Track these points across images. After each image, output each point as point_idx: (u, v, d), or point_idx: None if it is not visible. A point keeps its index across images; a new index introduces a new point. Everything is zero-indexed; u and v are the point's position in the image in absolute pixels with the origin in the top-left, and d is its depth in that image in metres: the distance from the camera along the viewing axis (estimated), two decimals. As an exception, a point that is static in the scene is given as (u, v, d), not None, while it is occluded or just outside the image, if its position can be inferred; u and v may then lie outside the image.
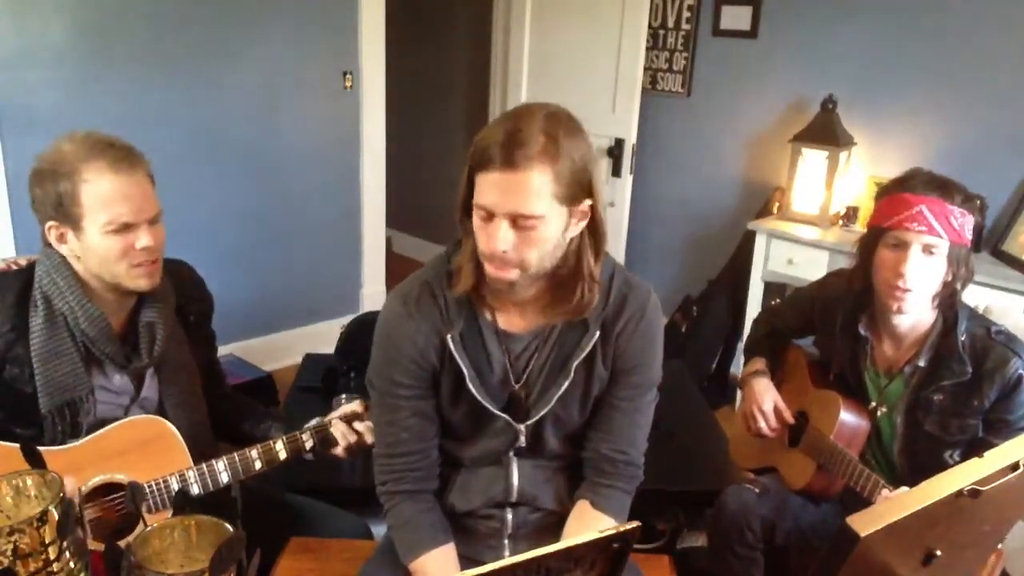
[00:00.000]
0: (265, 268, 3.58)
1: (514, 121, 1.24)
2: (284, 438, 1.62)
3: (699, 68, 3.69)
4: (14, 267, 1.80)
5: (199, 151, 3.24)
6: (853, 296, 1.81)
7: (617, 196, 3.81)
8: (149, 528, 1.03)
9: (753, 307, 3.30)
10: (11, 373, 1.50)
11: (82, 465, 1.49)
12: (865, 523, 0.88)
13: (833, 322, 1.86)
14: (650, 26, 3.66)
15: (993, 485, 0.98)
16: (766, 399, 1.94)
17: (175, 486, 1.52)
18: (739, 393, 2.35)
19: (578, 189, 1.27)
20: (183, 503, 1.17)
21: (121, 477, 1.52)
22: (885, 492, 1.65)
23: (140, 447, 1.53)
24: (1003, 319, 1.85)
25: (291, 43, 3.40)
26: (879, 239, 1.69)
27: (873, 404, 1.82)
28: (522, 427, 1.43)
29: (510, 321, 1.40)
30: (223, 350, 2.06)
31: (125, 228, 1.47)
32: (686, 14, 3.65)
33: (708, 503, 1.99)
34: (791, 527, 1.87)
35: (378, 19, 3.63)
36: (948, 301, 1.70)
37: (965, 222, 1.63)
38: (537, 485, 1.49)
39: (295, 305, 3.72)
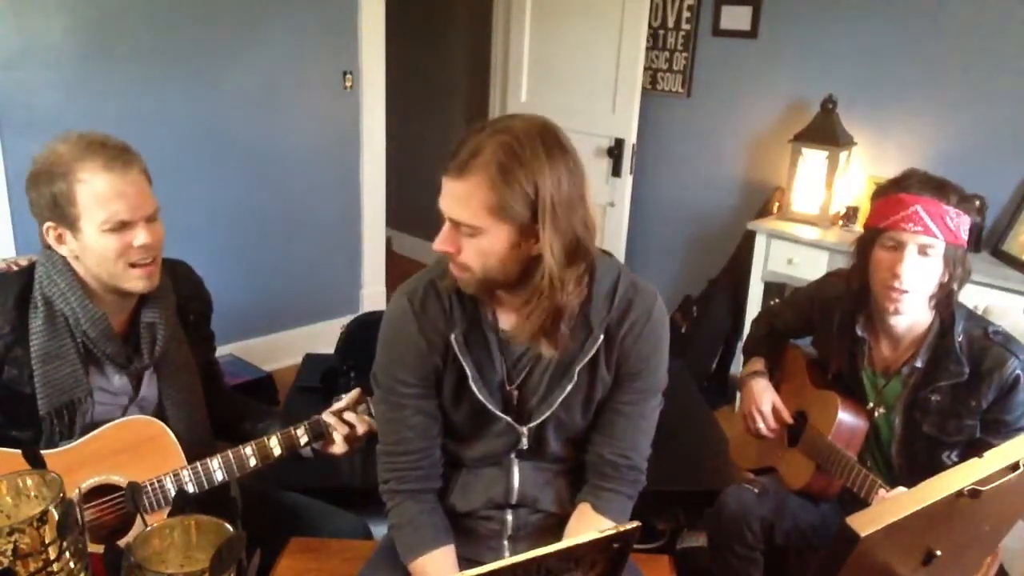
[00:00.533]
0: (265, 268, 3.58)
1: (483, 132, 1.25)
2: (278, 434, 1.62)
3: (699, 68, 3.68)
4: (14, 267, 1.80)
5: (199, 151, 3.24)
6: (851, 296, 1.81)
7: (617, 196, 3.81)
8: (149, 528, 1.03)
9: (753, 307, 3.30)
10: (10, 374, 1.50)
11: (77, 466, 1.49)
12: (865, 523, 0.88)
13: (831, 322, 1.86)
14: (650, 26, 3.66)
15: (993, 485, 0.98)
16: (764, 400, 1.94)
17: (170, 486, 1.52)
18: (739, 393, 2.35)
19: (527, 214, 1.24)
20: (183, 503, 1.17)
21: (116, 478, 1.52)
22: (882, 492, 1.65)
23: (134, 448, 1.53)
24: (1003, 319, 1.85)
25: (291, 43, 3.40)
26: (875, 240, 1.69)
27: (871, 404, 1.82)
28: (524, 429, 1.43)
29: (511, 322, 1.40)
30: (223, 350, 2.06)
31: (122, 226, 1.47)
32: (686, 14, 3.65)
33: (708, 503, 1.99)
34: (790, 527, 1.87)
35: (378, 19, 3.63)
36: (945, 301, 1.70)
37: (961, 222, 1.63)
38: (538, 487, 1.49)
39: (295, 305, 3.72)
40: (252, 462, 1.59)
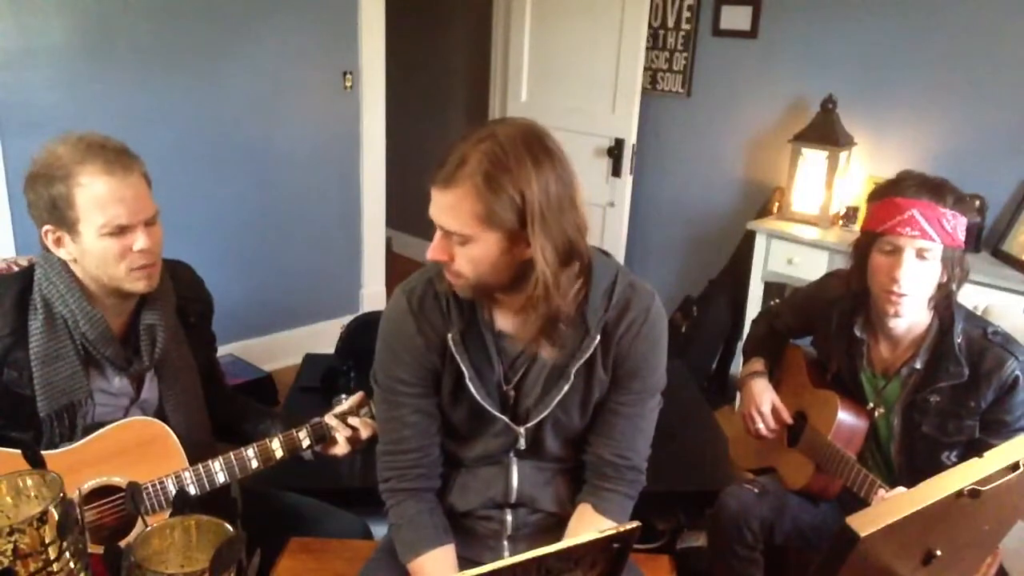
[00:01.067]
0: (265, 268, 3.58)
1: (468, 141, 1.25)
2: (280, 436, 1.62)
3: (699, 68, 3.68)
4: (15, 267, 1.80)
5: (199, 151, 3.24)
6: (850, 297, 1.81)
7: (617, 196, 3.81)
8: (149, 528, 1.03)
9: (753, 307, 3.30)
10: (9, 376, 1.50)
11: (78, 468, 1.48)
12: (865, 523, 0.88)
13: (830, 323, 1.86)
14: (650, 26, 3.66)
15: (993, 485, 0.98)
16: (764, 400, 1.94)
17: (171, 487, 1.52)
18: (739, 393, 2.35)
19: (516, 220, 1.24)
20: (183, 504, 1.17)
21: (117, 479, 1.52)
22: (882, 492, 1.65)
23: (135, 449, 1.53)
24: (1002, 319, 1.85)
25: (291, 43, 3.40)
26: (872, 244, 1.68)
27: (871, 405, 1.82)
28: (521, 429, 1.43)
29: (509, 323, 1.40)
30: (223, 350, 2.06)
31: (121, 230, 1.46)
32: (686, 14, 3.65)
33: (708, 503, 1.99)
34: (790, 527, 1.87)
35: (378, 19, 3.63)
36: (944, 303, 1.70)
37: (958, 224, 1.63)
38: (537, 487, 1.49)
39: (295, 305, 3.72)
40: (254, 464, 1.59)
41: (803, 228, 3.19)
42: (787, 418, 1.93)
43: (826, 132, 3.17)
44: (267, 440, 1.61)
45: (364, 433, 1.64)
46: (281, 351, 3.62)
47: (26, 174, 1.48)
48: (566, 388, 1.39)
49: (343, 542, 1.69)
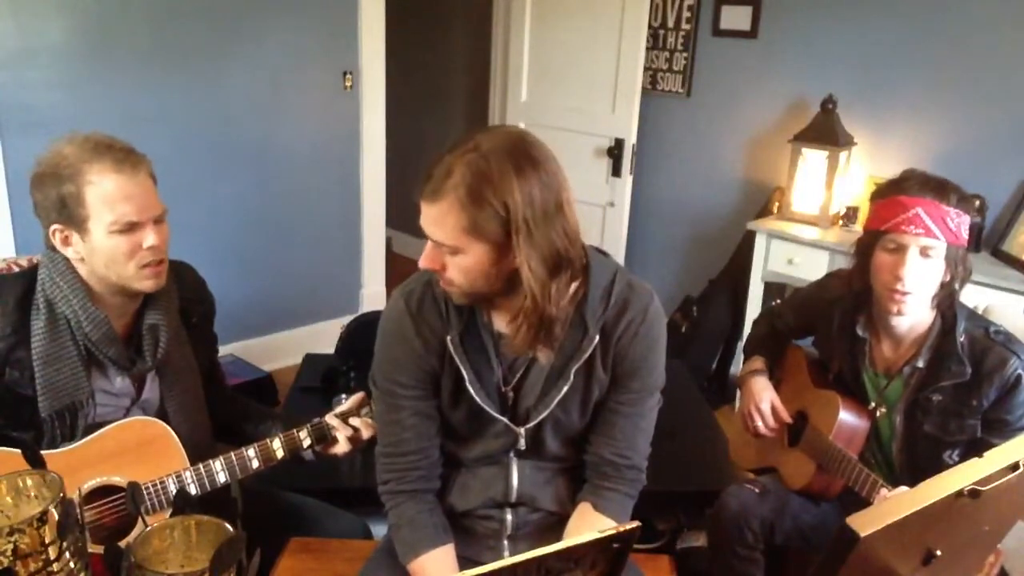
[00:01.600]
0: (265, 268, 3.58)
1: (453, 153, 1.25)
2: (281, 436, 1.62)
3: (699, 68, 3.68)
4: (15, 268, 1.80)
5: (199, 151, 3.24)
6: (852, 297, 1.81)
7: (617, 196, 3.81)
8: (149, 528, 1.03)
9: (753, 307, 3.30)
10: (11, 376, 1.50)
11: (78, 467, 1.48)
12: (865, 523, 0.88)
13: (831, 323, 1.86)
14: (650, 26, 3.66)
15: (993, 485, 0.98)
16: (763, 398, 1.94)
17: (172, 487, 1.52)
18: (739, 393, 2.35)
19: (501, 232, 1.24)
20: (183, 503, 1.17)
21: (118, 479, 1.51)
22: (883, 492, 1.65)
23: (136, 449, 1.53)
24: (1003, 319, 1.85)
25: (291, 43, 3.40)
26: (876, 242, 1.69)
27: (872, 404, 1.82)
28: (521, 430, 1.43)
29: (506, 325, 1.39)
30: (223, 350, 2.06)
31: (131, 228, 1.47)
32: (686, 14, 3.65)
33: (708, 503, 1.99)
34: (791, 527, 1.87)
35: (378, 19, 3.63)
36: (947, 301, 1.70)
37: (961, 222, 1.63)
38: (537, 486, 1.49)
39: (295, 305, 3.72)
40: (255, 464, 1.59)
41: (803, 228, 3.20)
42: (786, 417, 1.93)
43: (826, 132, 3.17)
44: (268, 440, 1.61)
45: (365, 433, 1.64)
46: (281, 351, 3.62)
47: (32, 174, 1.49)
48: (566, 388, 1.39)
49: (343, 542, 1.69)
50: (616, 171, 3.77)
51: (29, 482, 1.05)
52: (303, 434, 1.63)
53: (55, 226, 1.49)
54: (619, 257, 3.81)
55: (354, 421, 1.65)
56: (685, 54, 3.69)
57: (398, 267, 4.45)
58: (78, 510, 1.03)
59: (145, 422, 1.57)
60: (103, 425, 1.54)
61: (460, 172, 1.23)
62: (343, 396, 1.76)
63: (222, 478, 1.56)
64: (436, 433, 1.46)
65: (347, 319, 3.06)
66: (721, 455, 2.36)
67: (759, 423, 1.94)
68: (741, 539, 1.84)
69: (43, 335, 1.50)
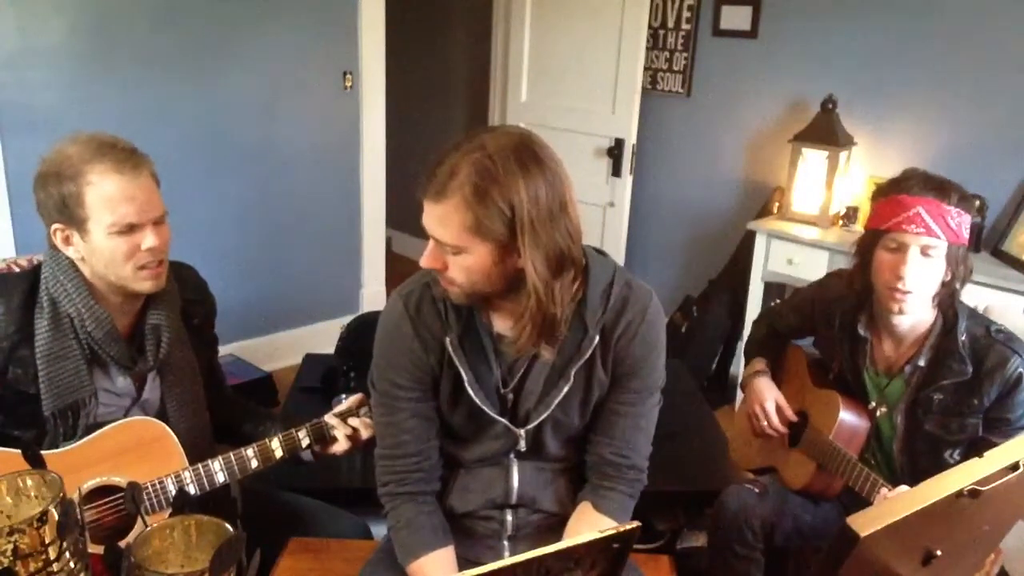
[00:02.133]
0: (265, 268, 3.58)
1: (458, 151, 1.25)
2: (280, 436, 1.62)
3: (699, 68, 3.68)
4: (15, 268, 1.80)
5: (199, 151, 3.24)
6: (853, 296, 1.81)
7: (617, 196, 3.81)
8: (149, 528, 1.03)
9: (753, 307, 3.30)
10: (14, 374, 1.50)
11: (78, 467, 1.48)
12: (865, 523, 0.88)
13: (832, 322, 1.86)
14: (650, 26, 3.66)
15: (993, 485, 0.98)
16: (768, 398, 1.94)
17: (171, 487, 1.52)
18: (739, 393, 2.35)
19: (506, 231, 1.24)
20: (183, 503, 1.17)
21: (117, 479, 1.51)
22: (884, 492, 1.65)
23: (136, 449, 1.53)
24: (1003, 319, 1.85)
25: (291, 43, 3.40)
26: (877, 241, 1.69)
27: (873, 404, 1.82)
28: (521, 431, 1.43)
29: (506, 326, 1.39)
30: (223, 350, 2.06)
31: (130, 229, 1.47)
32: (686, 14, 3.65)
33: (708, 503, 1.99)
34: (791, 527, 1.87)
35: (378, 19, 3.63)
36: (947, 300, 1.71)
37: (962, 222, 1.63)
38: (537, 487, 1.48)
39: (295, 305, 3.72)
40: (254, 464, 1.59)
41: (803, 228, 3.19)
42: (791, 416, 1.93)
43: (826, 132, 3.17)
44: (267, 440, 1.61)
45: (364, 433, 1.64)
46: (281, 351, 3.62)
47: (36, 173, 1.49)
48: (566, 389, 1.39)
49: (343, 542, 1.69)
50: (616, 171, 3.77)
51: (29, 482, 1.05)
52: (302, 434, 1.63)
53: (56, 226, 1.49)
54: (619, 257, 3.81)
55: (353, 421, 1.64)
56: (685, 54, 3.69)
57: (398, 267, 4.45)
58: (78, 510, 1.03)
59: (145, 422, 1.57)
60: (103, 425, 1.54)
61: (466, 171, 1.22)
62: (343, 396, 1.75)
63: (221, 478, 1.56)
64: (435, 435, 1.46)
65: (347, 319, 3.06)
66: (721, 455, 2.36)
67: (764, 422, 1.94)
68: (741, 539, 1.84)
69: (47, 333, 1.51)
